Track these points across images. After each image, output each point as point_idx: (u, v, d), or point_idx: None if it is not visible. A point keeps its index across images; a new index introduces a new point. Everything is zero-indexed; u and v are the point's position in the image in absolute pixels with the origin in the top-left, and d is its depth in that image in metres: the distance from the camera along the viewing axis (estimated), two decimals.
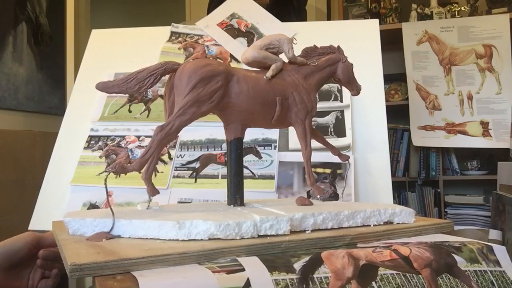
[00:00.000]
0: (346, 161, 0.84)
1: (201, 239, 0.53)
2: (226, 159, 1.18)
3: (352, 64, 0.79)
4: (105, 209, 0.63)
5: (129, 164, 0.60)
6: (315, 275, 0.47)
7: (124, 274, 0.45)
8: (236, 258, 0.49)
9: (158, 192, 0.65)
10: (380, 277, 0.49)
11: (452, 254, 0.56)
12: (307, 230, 0.59)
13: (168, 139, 0.62)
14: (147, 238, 0.55)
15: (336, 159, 1.17)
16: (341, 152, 0.82)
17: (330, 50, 0.79)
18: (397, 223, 0.68)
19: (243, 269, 0.46)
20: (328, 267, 0.49)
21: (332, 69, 0.78)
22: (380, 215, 0.67)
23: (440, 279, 0.52)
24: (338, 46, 0.80)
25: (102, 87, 0.62)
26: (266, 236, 0.56)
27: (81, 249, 0.50)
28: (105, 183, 0.57)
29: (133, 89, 0.63)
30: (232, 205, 0.71)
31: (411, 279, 0.50)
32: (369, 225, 0.66)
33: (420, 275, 0.51)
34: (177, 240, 0.53)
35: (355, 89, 0.81)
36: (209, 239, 0.53)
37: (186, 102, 0.61)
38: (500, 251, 0.58)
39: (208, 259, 0.49)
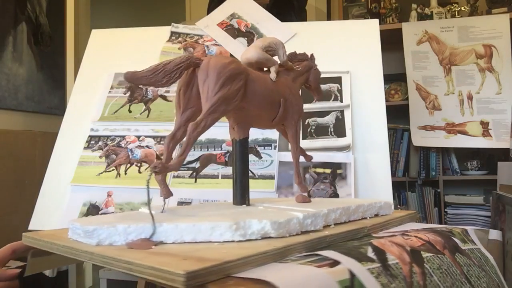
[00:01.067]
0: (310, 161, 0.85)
1: (255, 239, 0.51)
2: (230, 159, 1.18)
3: (320, 72, 0.85)
4: (123, 214, 0.60)
5: (170, 164, 0.58)
6: (389, 262, 0.50)
7: (233, 278, 0.41)
8: (317, 253, 0.49)
9: (172, 194, 0.63)
10: (426, 259, 0.54)
11: (452, 237, 0.62)
12: (331, 225, 0.62)
13: (198, 137, 0.61)
14: (196, 242, 0.50)
15: (336, 159, 1.17)
16: (306, 152, 0.82)
17: (305, 57, 0.83)
18: (382, 215, 0.75)
19: (339, 262, 0.46)
20: (392, 255, 0.51)
21: (307, 75, 0.82)
22: (373, 208, 0.73)
23: (456, 257, 0.58)
24: (312, 54, 0.84)
25: (131, 77, 0.59)
26: (308, 232, 0.57)
27: (158, 258, 0.44)
28: (147, 185, 0.52)
29: (161, 82, 0.61)
30: (240, 205, 0.70)
31: (442, 259, 0.56)
32: (366, 218, 0.71)
33: (444, 255, 0.57)
34: (233, 241, 0.50)
35: (320, 94, 0.87)
36: (262, 238, 0.52)
37: (217, 99, 0.60)
38: (472, 233, 0.69)
39: (281, 257, 0.48)
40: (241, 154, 0.72)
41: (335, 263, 0.46)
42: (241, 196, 0.71)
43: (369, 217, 0.71)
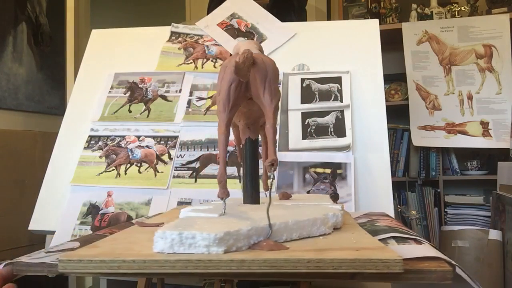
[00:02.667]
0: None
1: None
2: (230, 159, 1.18)
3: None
4: (191, 218, 0.56)
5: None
6: None
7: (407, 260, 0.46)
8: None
9: (229, 194, 0.61)
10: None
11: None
12: None
13: None
14: (303, 238, 0.54)
15: (336, 159, 1.17)
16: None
17: None
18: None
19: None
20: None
21: None
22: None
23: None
24: None
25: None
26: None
27: (344, 252, 0.46)
28: (270, 187, 0.54)
29: (247, 75, 0.59)
30: (253, 204, 0.70)
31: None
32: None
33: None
34: (327, 234, 0.57)
35: None
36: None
37: (279, 98, 0.61)
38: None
39: None
40: (253, 153, 0.72)
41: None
42: (253, 195, 0.70)
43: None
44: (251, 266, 0.44)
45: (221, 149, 0.58)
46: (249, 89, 0.61)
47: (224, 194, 0.57)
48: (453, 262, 0.46)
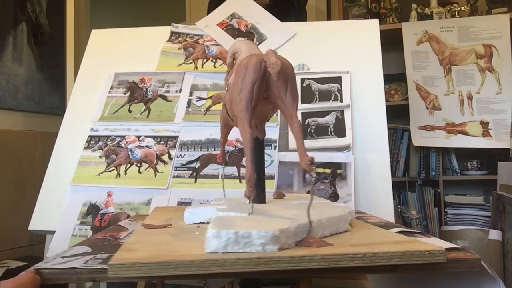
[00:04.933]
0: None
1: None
2: (230, 159, 1.18)
3: None
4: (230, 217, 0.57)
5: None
6: None
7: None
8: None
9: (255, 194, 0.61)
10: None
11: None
12: None
13: None
14: (330, 235, 0.57)
15: (336, 159, 1.17)
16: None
17: None
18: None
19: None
20: None
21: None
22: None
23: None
24: None
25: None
26: None
27: (391, 246, 0.49)
28: (312, 187, 0.57)
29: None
30: (259, 203, 0.70)
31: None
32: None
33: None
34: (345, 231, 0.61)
35: None
36: None
37: (298, 99, 0.63)
38: None
39: None
40: (260, 153, 0.72)
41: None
42: (260, 194, 0.71)
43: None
44: (311, 262, 0.45)
45: (249, 148, 0.57)
46: (267, 89, 0.61)
47: (252, 193, 0.57)
48: (473, 253, 0.50)
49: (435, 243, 0.51)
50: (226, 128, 0.80)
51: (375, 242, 0.52)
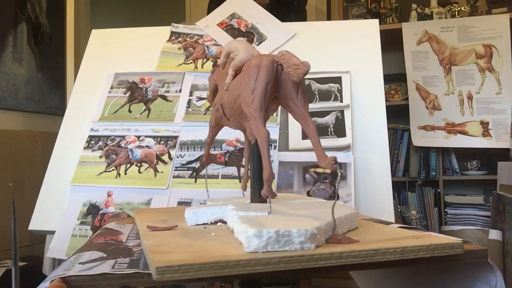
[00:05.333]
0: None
1: None
2: (230, 159, 1.18)
3: None
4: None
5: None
6: None
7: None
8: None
9: (276, 195, 0.62)
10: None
11: None
12: None
13: None
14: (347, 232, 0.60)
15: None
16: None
17: None
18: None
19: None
20: None
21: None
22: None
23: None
24: None
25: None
26: None
27: (410, 240, 0.52)
28: (336, 188, 0.64)
29: None
30: (260, 203, 0.70)
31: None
32: None
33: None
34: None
35: None
36: None
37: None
38: None
39: None
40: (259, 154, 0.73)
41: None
42: (260, 194, 0.70)
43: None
44: (348, 258, 0.47)
45: (266, 148, 0.58)
46: (278, 90, 0.62)
47: (270, 193, 0.58)
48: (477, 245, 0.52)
49: (446, 238, 0.54)
50: (216, 128, 0.80)
51: (394, 237, 0.54)
